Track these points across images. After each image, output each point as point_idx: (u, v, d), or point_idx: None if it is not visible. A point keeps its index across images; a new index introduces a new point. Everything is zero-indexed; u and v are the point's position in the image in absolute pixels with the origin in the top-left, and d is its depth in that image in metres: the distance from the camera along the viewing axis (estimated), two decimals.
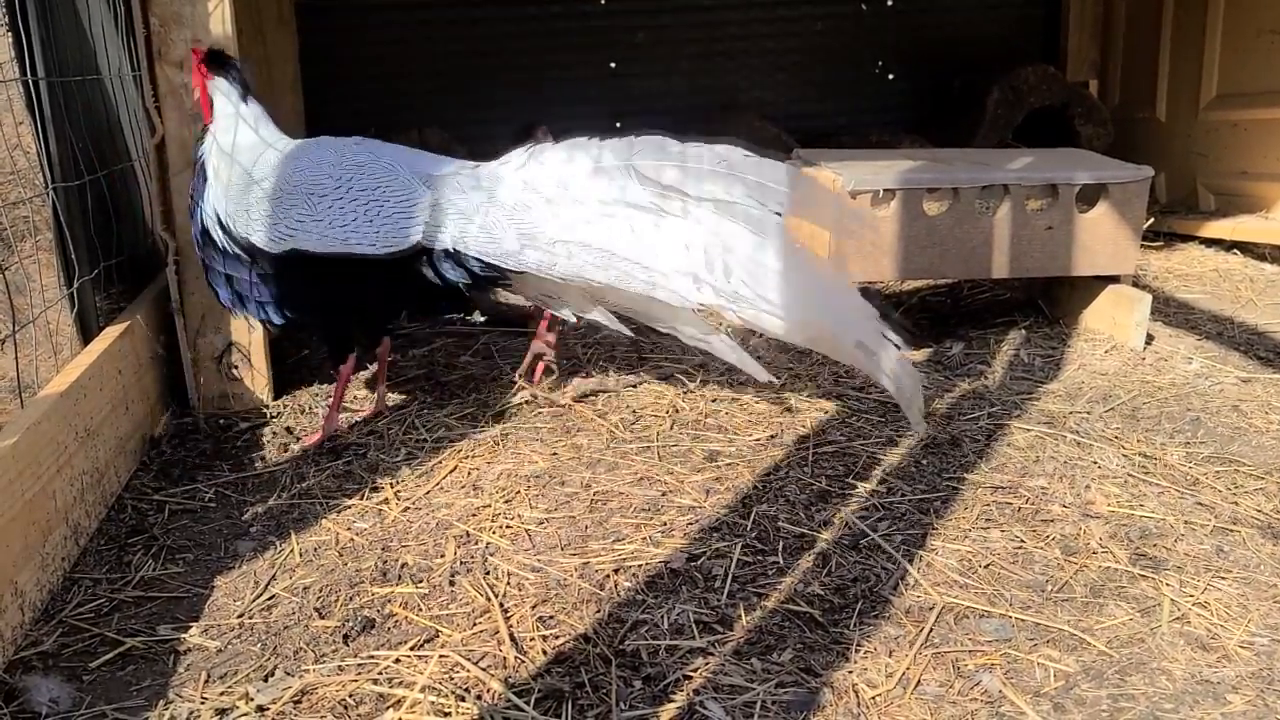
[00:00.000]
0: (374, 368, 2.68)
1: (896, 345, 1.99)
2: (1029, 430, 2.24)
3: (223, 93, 2.23)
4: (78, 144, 2.26)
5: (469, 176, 2.16)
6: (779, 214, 1.96)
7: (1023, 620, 1.58)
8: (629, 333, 2.24)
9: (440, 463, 2.17)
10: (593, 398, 2.48)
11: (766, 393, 2.48)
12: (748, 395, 2.47)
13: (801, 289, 1.96)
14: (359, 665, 1.50)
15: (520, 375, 2.59)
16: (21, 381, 1.89)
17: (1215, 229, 3.83)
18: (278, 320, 2.23)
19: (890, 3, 4.74)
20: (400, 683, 1.46)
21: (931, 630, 1.56)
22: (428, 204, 2.12)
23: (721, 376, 2.60)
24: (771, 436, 2.24)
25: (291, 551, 1.84)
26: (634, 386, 2.54)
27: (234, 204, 2.17)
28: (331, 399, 2.36)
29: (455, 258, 2.13)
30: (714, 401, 2.45)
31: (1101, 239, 2.76)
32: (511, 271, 2.11)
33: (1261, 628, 1.56)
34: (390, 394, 2.53)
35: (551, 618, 1.60)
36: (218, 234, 2.19)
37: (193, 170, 2.26)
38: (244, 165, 2.19)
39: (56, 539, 1.74)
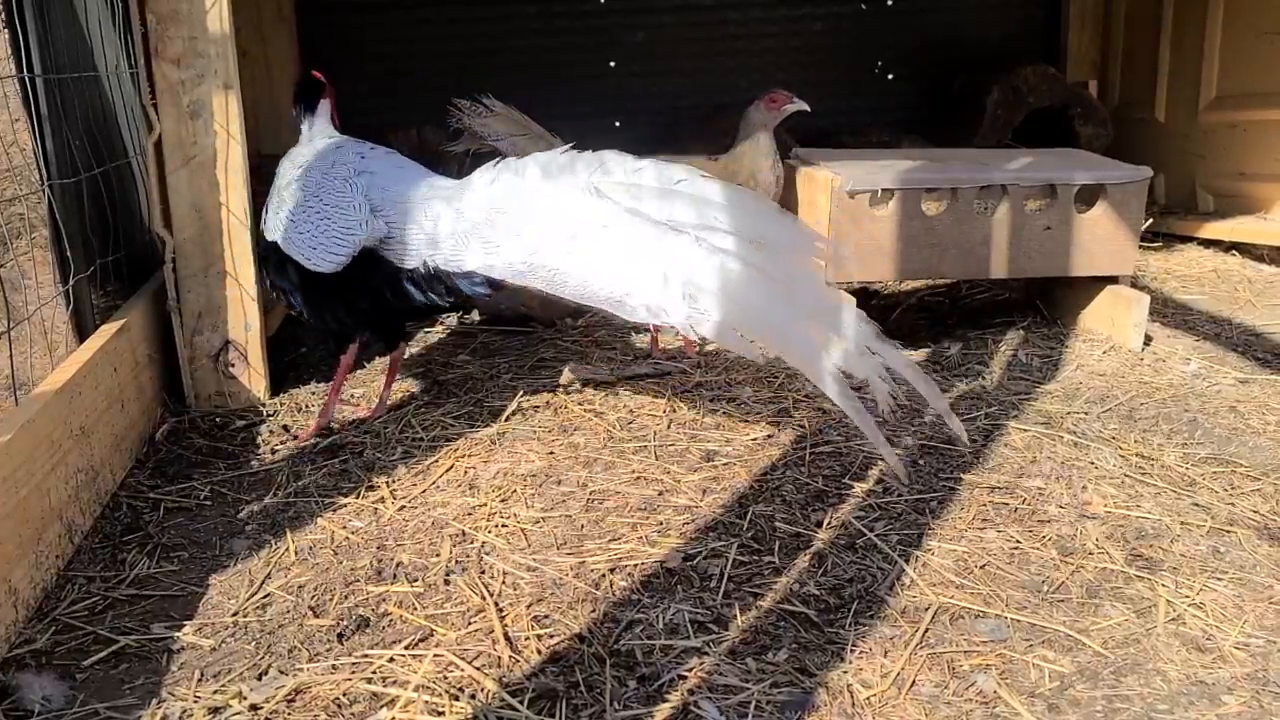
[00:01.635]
0: (381, 364, 2.69)
1: (896, 345, 1.82)
2: (1026, 431, 2.24)
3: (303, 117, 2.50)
4: (74, 141, 2.26)
5: (440, 198, 2.11)
6: (745, 239, 1.81)
7: (1018, 621, 1.58)
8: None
9: (436, 462, 2.16)
10: (585, 388, 2.48)
11: (764, 392, 2.48)
12: (745, 395, 2.47)
13: (771, 311, 1.81)
14: (353, 664, 1.50)
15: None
16: (16, 379, 1.89)
17: (1214, 230, 3.83)
18: (299, 306, 2.32)
19: (890, 3, 4.74)
20: (394, 682, 1.45)
21: (927, 630, 1.56)
22: (362, 234, 2.13)
23: (719, 375, 2.60)
24: (768, 436, 2.24)
25: (287, 550, 1.84)
26: (630, 380, 2.54)
27: (274, 194, 2.33)
28: (330, 387, 2.40)
29: (425, 278, 2.13)
30: (711, 401, 2.44)
31: (1100, 239, 2.76)
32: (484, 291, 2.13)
33: (1257, 629, 1.55)
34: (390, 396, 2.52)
35: (546, 617, 1.60)
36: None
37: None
38: (288, 164, 2.36)
39: (50, 537, 1.73)
